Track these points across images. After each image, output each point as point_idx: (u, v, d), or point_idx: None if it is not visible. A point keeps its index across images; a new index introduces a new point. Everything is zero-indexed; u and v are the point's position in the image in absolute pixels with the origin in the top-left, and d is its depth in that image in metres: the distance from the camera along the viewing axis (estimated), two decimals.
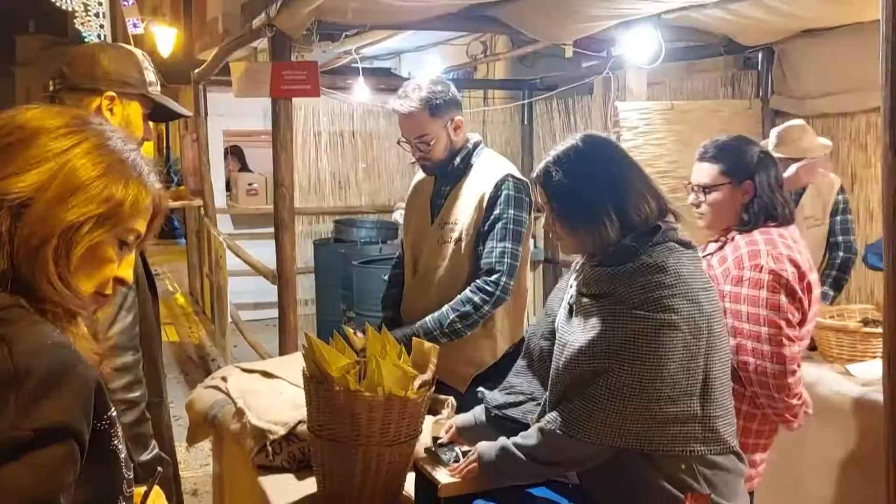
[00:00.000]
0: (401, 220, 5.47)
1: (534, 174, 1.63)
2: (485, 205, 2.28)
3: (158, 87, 1.81)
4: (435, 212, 2.41)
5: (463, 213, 2.32)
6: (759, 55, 4.29)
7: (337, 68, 5.36)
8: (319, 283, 5.84)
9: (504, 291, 2.25)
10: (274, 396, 2.09)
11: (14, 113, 0.96)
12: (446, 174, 2.39)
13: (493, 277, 2.24)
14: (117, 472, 0.95)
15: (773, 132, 3.22)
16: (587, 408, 1.47)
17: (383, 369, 1.61)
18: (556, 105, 6.47)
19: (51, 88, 1.72)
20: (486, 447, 1.62)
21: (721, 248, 2.04)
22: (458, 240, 2.32)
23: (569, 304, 1.60)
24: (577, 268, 1.66)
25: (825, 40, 3.90)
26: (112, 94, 1.70)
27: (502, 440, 1.61)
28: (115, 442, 0.94)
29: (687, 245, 1.57)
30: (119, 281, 0.99)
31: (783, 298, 1.89)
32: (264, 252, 4.97)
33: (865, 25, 3.61)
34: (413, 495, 1.73)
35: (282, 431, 1.91)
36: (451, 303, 2.25)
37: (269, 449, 1.90)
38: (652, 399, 1.44)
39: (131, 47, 1.83)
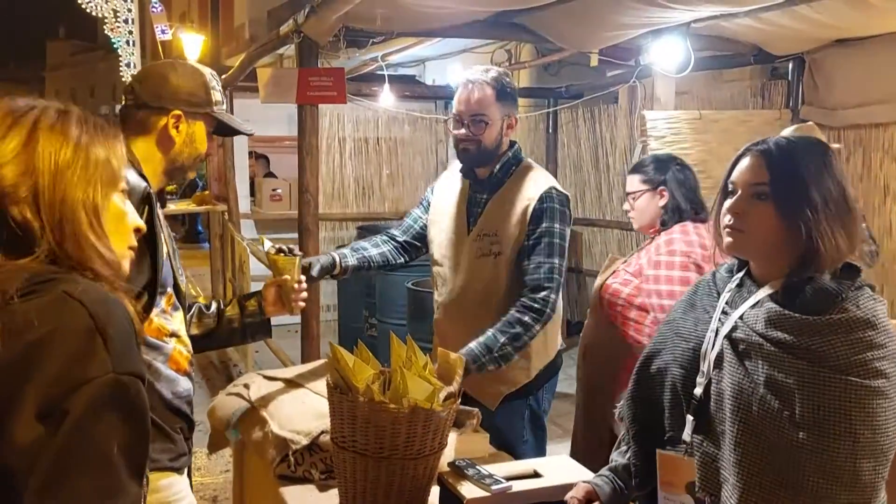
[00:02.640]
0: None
1: (756, 147, 1.38)
2: (528, 217, 2.19)
3: (224, 106, 1.86)
4: (472, 221, 2.29)
5: (505, 224, 2.22)
6: (790, 65, 4.22)
7: (362, 75, 5.37)
8: (341, 289, 5.84)
9: (552, 309, 2.17)
10: (296, 405, 2.07)
11: None
12: (482, 181, 2.29)
13: (542, 294, 2.14)
14: None
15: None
16: (789, 498, 1.25)
17: (408, 380, 1.58)
18: (581, 113, 6.43)
19: (123, 103, 1.78)
20: None
21: (649, 244, 2.40)
22: (499, 253, 2.22)
23: (728, 338, 1.36)
24: (734, 288, 1.42)
25: (858, 50, 3.82)
26: (179, 112, 1.75)
27: None
28: None
29: (874, 289, 1.34)
30: (137, 230, 1.05)
31: (692, 274, 2.22)
32: None
33: None
34: None
35: (304, 441, 1.89)
36: (497, 326, 2.12)
37: (292, 459, 1.88)
38: (862, 485, 1.23)
39: (201, 67, 1.88)
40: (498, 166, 2.27)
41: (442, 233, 2.37)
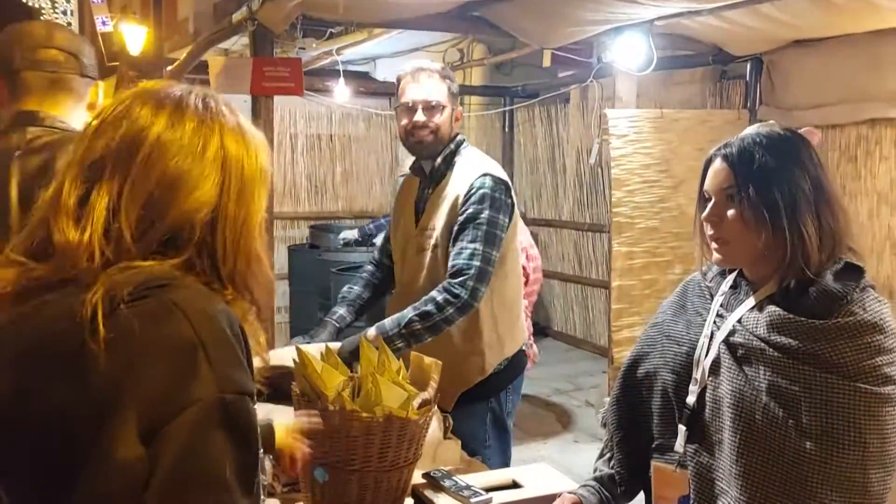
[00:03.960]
0: (350, 237, 5.33)
1: (720, 151, 1.31)
2: (458, 204, 2.12)
3: None
4: (418, 217, 2.25)
5: (440, 216, 2.16)
6: (748, 66, 4.25)
7: (316, 69, 5.21)
8: (294, 290, 5.66)
9: (472, 297, 2.05)
10: None
11: (140, 129, 0.89)
12: (428, 175, 2.24)
13: (460, 279, 2.04)
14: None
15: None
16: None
17: (381, 387, 1.47)
18: (538, 113, 6.41)
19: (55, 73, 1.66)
20: None
21: None
22: (436, 246, 2.16)
23: (725, 342, 1.29)
24: (727, 290, 1.35)
25: (815, 51, 3.86)
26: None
27: None
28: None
29: (874, 289, 1.27)
30: None
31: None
32: None
33: (858, 37, 3.58)
34: None
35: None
36: (413, 303, 2.07)
37: None
38: (871, 496, 1.17)
39: None
40: (440, 159, 2.21)
41: (397, 231, 2.34)
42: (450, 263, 2.08)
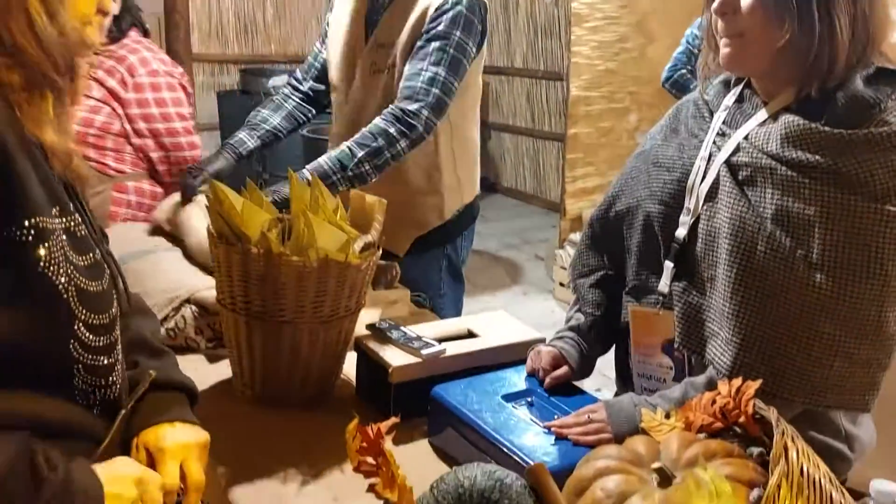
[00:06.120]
0: (280, 84, 4.87)
1: None
2: (427, 18, 1.82)
3: None
4: (369, 31, 1.94)
5: (402, 30, 1.86)
6: None
7: None
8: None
9: (426, 129, 1.80)
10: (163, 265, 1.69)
11: None
12: None
13: (414, 107, 1.78)
14: (54, 307, 0.79)
15: None
16: (798, 350, 1.02)
17: (315, 227, 1.25)
18: None
19: None
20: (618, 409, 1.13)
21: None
22: (393, 66, 1.88)
23: (727, 163, 1.10)
24: (732, 105, 1.15)
25: None
26: None
27: (636, 400, 1.13)
28: (47, 266, 0.77)
29: None
30: None
31: (181, 95, 2.06)
32: None
33: None
34: (353, 379, 1.42)
35: (175, 304, 1.54)
36: (356, 137, 1.78)
37: (174, 325, 1.53)
38: (885, 337, 1.02)
39: None
40: None
41: (337, 51, 2.01)
42: (403, 84, 1.81)
